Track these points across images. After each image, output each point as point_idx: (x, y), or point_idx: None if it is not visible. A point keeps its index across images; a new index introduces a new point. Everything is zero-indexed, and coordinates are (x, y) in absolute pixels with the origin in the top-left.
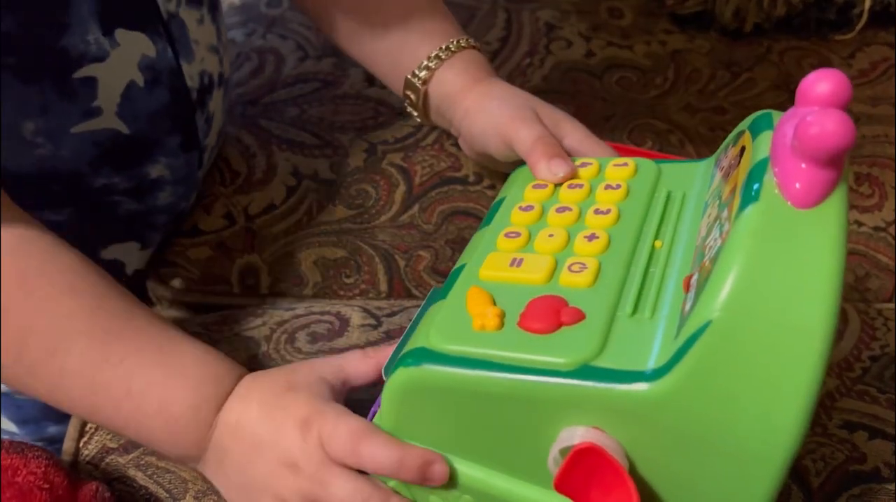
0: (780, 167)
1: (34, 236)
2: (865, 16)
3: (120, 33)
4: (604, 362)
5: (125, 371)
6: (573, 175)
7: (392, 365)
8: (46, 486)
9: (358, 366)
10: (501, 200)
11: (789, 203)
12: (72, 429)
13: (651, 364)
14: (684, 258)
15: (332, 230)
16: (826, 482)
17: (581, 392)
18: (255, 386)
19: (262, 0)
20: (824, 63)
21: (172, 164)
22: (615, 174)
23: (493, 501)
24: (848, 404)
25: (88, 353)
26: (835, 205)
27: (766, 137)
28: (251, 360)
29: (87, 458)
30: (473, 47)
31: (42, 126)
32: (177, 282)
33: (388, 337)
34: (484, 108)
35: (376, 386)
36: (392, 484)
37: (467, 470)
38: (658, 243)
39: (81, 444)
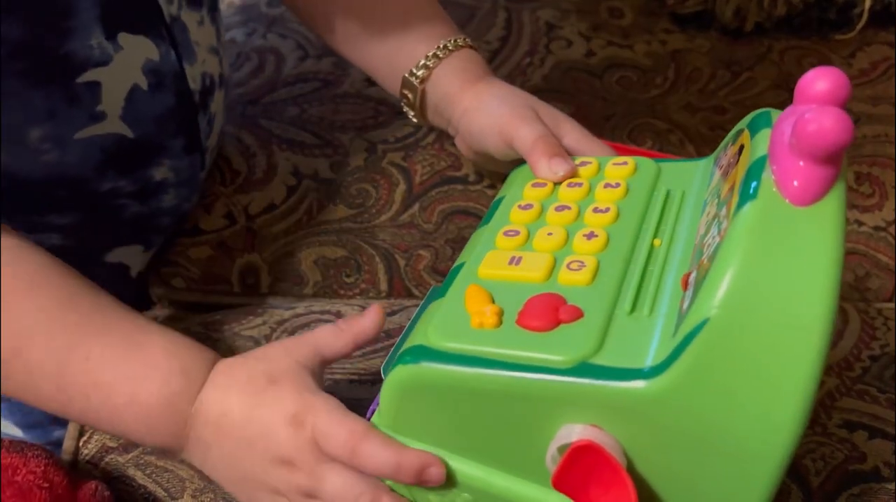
0: (779, 165)
1: None
2: (866, 15)
3: (123, 37)
4: (602, 360)
5: (93, 365)
6: (573, 174)
7: (391, 362)
8: (46, 485)
9: (332, 342)
10: (501, 199)
11: (787, 201)
12: (71, 429)
13: (649, 361)
14: (683, 256)
15: (333, 229)
16: (826, 481)
17: (579, 389)
18: (232, 380)
19: (262, 0)
20: (824, 62)
21: (176, 167)
22: (614, 173)
23: (492, 499)
24: (848, 404)
25: (53, 349)
26: (833, 203)
27: (764, 135)
28: None
29: (87, 457)
30: (471, 47)
31: (48, 132)
32: (177, 282)
33: (388, 336)
34: (483, 107)
35: (375, 384)
36: (390, 481)
37: (466, 468)
38: (657, 241)
39: (81, 443)
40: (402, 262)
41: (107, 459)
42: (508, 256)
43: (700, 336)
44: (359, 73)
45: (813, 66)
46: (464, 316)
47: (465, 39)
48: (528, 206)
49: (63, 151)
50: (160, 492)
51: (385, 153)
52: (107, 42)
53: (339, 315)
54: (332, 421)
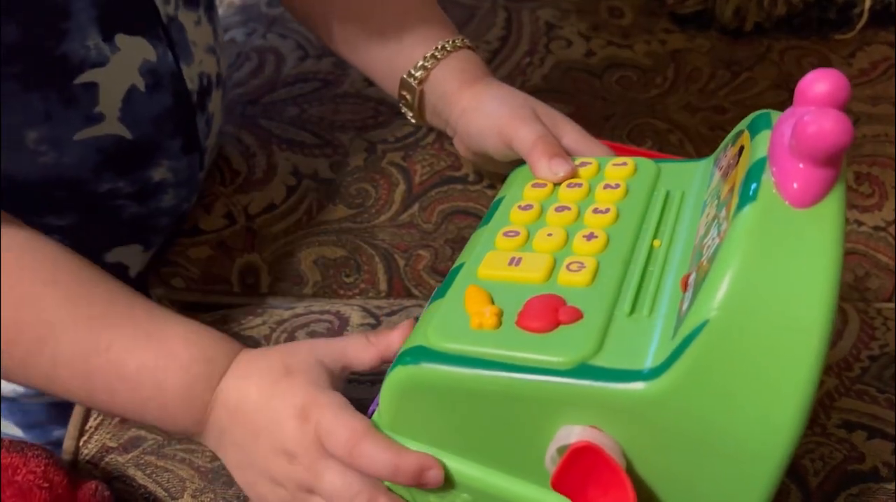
0: (778, 167)
1: (9, 232)
2: (866, 15)
3: (120, 38)
4: (601, 361)
5: (115, 356)
6: (573, 174)
7: (390, 363)
8: (46, 485)
9: (360, 353)
10: (501, 199)
11: (787, 202)
12: (72, 428)
13: (648, 363)
14: (682, 257)
15: (332, 229)
16: (825, 481)
17: (578, 390)
18: (253, 368)
19: (262, 0)
20: (824, 62)
21: (175, 167)
22: (614, 173)
23: (491, 500)
24: (847, 404)
25: (77, 342)
26: (832, 205)
27: (764, 137)
28: None
29: (87, 457)
30: (469, 47)
31: (46, 134)
32: (177, 282)
33: None
34: (482, 107)
35: (375, 384)
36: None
37: (465, 468)
38: (657, 242)
39: (81, 443)
40: (401, 262)
41: (107, 459)
42: (508, 257)
43: (699, 337)
44: (359, 73)
45: (813, 65)
46: (463, 316)
47: (463, 40)
48: (527, 207)
49: (61, 153)
50: (160, 492)
51: (385, 153)
52: (103, 43)
53: (338, 315)
54: (335, 419)
